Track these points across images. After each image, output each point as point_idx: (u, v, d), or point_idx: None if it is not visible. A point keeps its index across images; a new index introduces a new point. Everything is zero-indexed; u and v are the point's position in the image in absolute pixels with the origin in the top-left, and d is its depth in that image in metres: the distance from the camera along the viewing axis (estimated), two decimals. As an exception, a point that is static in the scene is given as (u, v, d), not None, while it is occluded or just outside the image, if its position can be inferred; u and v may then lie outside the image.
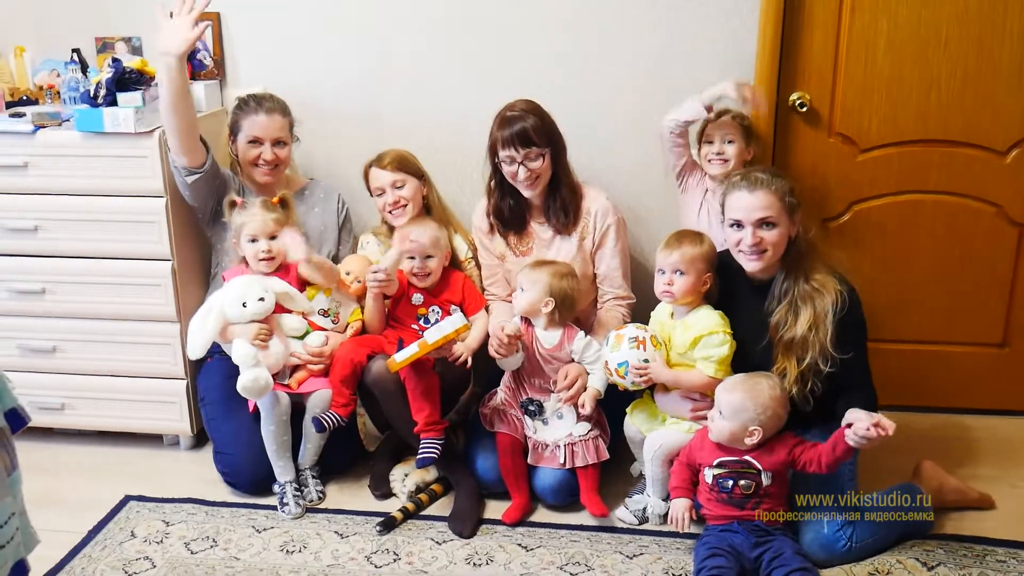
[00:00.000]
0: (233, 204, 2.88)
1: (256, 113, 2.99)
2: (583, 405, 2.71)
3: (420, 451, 2.73)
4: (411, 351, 2.68)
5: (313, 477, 2.91)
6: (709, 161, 2.92)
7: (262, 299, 2.78)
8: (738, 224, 2.54)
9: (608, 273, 2.96)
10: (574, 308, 2.82)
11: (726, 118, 2.91)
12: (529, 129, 2.78)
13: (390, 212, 3.00)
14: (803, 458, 2.45)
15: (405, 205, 2.98)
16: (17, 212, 3.02)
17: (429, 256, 2.89)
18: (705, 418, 2.57)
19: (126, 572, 2.55)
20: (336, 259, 3.11)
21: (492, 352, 2.74)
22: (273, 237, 2.84)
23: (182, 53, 2.71)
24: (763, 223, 2.51)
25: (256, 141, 2.99)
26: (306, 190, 3.19)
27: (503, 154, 2.82)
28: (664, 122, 2.90)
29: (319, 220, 3.14)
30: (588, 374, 2.74)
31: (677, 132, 2.89)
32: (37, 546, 1.74)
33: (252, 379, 2.73)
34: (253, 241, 2.84)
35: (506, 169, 2.84)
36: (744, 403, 2.43)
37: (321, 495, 2.88)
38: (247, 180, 3.09)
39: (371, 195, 3.06)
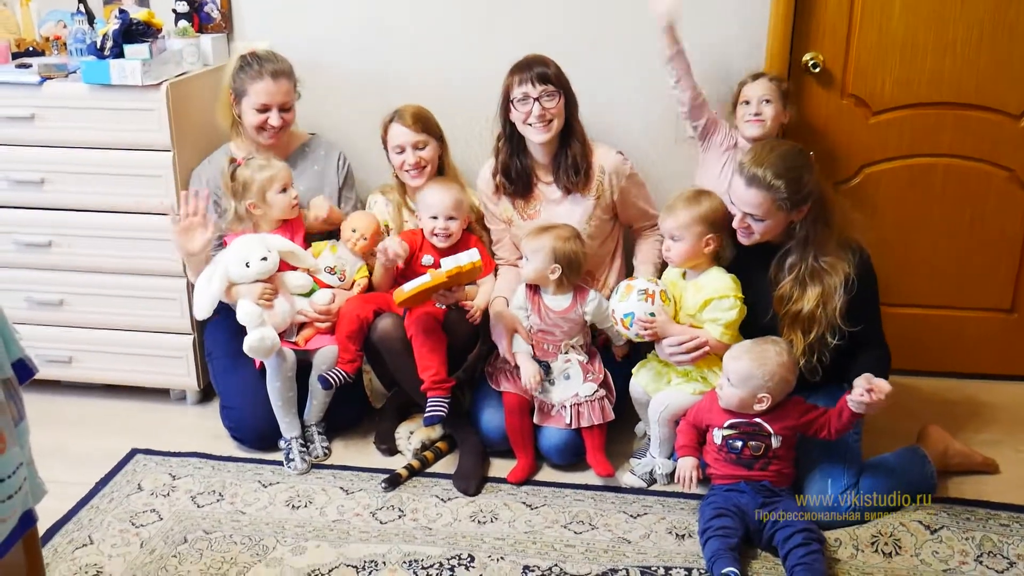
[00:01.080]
0: (234, 165, 2.85)
1: (262, 78, 2.91)
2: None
3: (427, 409, 2.73)
4: (422, 280, 2.62)
5: (319, 433, 2.92)
6: (746, 122, 2.88)
7: (264, 258, 2.77)
8: (732, 204, 2.55)
9: (639, 214, 3.00)
10: (581, 270, 2.81)
11: (762, 80, 2.88)
12: (547, 69, 2.79)
13: (407, 172, 2.97)
14: (814, 425, 2.46)
15: (425, 167, 2.96)
16: (24, 164, 3.01)
17: (452, 218, 2.87)
18: (695, 360, 2.59)
19: (133, 524, 2.57)
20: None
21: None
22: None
23: (199, 250, 2.81)
24: (750, 216, 2.51)
25: (263, 108, 2.93)
26: (307, 146, 3.14)
27: (518, 91, 2.78)
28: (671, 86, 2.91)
29: (318, 179, 3.09)
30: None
31: (675, 80, 2.88)
32: (44, 497, 1.75)
33: (258, 339, 2.73)
34: (284, 191, 2.85)
35: (520, 110, 2.80)
36: (752, 371, 2.42)
37: (327, 451, 2.89)
38: (245, 140, 3.04)
39: (386, 150, 3.02)
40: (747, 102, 2.89)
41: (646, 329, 2.61)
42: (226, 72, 2.99)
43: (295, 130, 3.16)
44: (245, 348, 2.75)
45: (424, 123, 2.96)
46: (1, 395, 1.55)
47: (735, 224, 2.55)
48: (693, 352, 2.59)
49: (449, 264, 2.60)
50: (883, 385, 2.35)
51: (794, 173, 2.46)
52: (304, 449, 2.86)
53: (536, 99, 2.77)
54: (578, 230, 2.83)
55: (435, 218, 2.87)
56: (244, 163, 2.85)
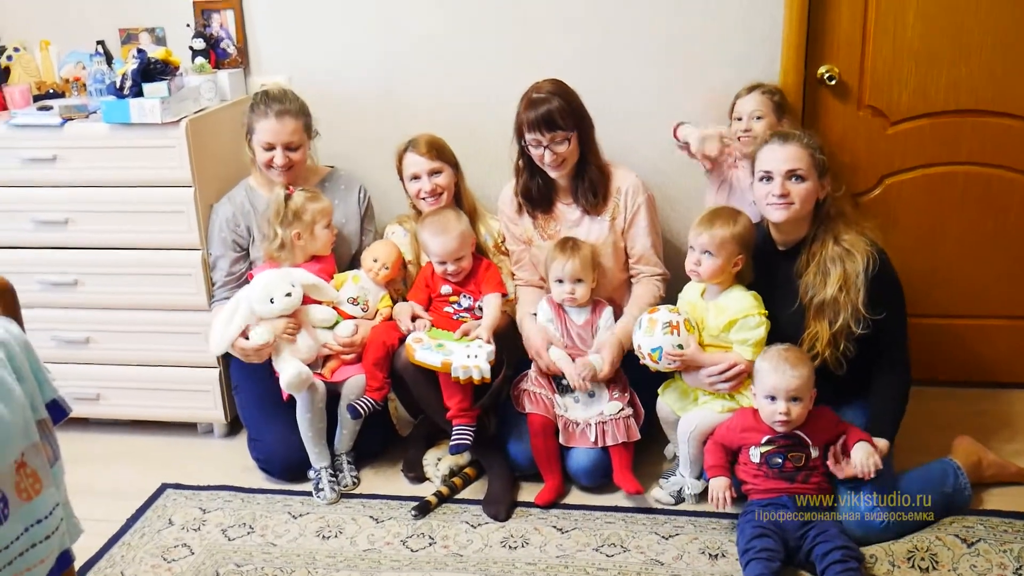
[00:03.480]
0: (287, 192, 2.87)
1: (267, 117, 2.89)
2: (586, 379, 2.73)
3: (453, 438, 2.73)
4: (433, 361, 2.70)
5: (348, 463, 2.92)
6: (739, 139, 2.89)
7: (289, 294, 2.78)
8: (767, 176, 2.53)
9: (643, 252, 2.95)
10: (599, 277, 2.84)
11: (755, 93, 2.88)
12: (555, 112, 2.75)
13: (424, 199, 2.98)
14: (849, 437, 2.48)
15: (441, 193, 2.96)
16: (47, 205, 3.04)
17: (458, 259, 2.87)
18: (735, 388, 2.60)
19: (165, 559, 2.57)
20: (358, 252, 3.09)
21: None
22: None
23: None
24: (792, 175, 2.50)
25: (269, 147, 2.92)
26: (327, 181, 3.14)
27: (529, 137, 2.80)
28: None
29: (340, 212, 3.09)
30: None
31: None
32: (80, 536, 1.76)
33: (295, 375, 2.74)
34: (327, 227, 2.90)
35: (533, 152, 2.82)
36: (809, 375, 2.45)
37: (356, 480, 2.89)
38: (260, 175, 3.04)
39: (401, 179, 3.03)
40: (739, 118, 2.90)
41: (675, 361, 2.60)
42: (246, 107, 3.02)
43: (314, 165, 3.17)
44: (284, 387, 2.77)
45: (438, 150, 2.97)
46: (36, 436, 1.56)
47: (773, 196, 2.51)
48: (732, 380, 2.59)
49: (458, 370, 2.67)
50: (877, 462, 2.41)
51: (816, 139, 2.57)
52: (334, 479, 2.86)
53: (547, 146, 2.78)
54: (598, 248, 2.87)
55: (443, 263, 2.88)
56: (295, 191, 2.87)
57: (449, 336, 2.80)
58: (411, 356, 2.73)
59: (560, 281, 2.81)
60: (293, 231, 2.86)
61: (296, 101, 2.98)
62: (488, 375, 2.70)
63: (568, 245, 2.82)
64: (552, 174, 2.86)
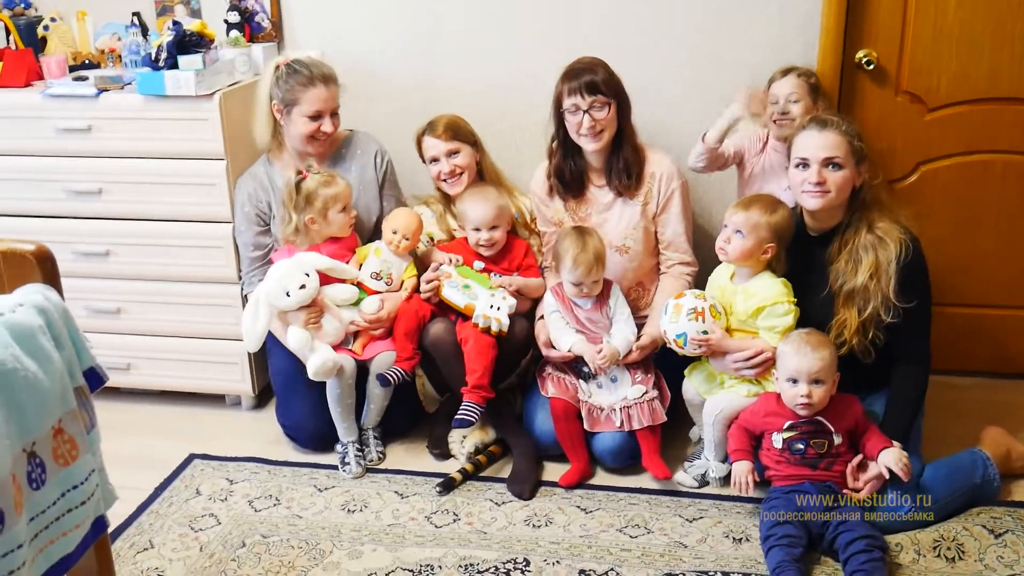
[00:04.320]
0: (299, 177, 2.85)
1: (314, 85, 2.87)
2: (603, 362, 2.73)
3: (459, 412, 2.73)
4: (457, 301, 2.79)
5: (375, 438, 2.94)
6: (775, 122, 2.86)
7: (303, 286, 2.76)
8: (804, 163, 2.51)
9: (673, 239, 2.93)
10: (604, 263, 2.80)
11: (790, 76, 2.85)
12: (597, 79, 2.76)
13: (445, 180, 2.98)
14: (871, 438, 2.45)
15: (461, 173, 2.96)
16: (82, 175, 3.07)
17: (494, 227, 2.88)
18: (761, 374, 2.59)
19: (192, 528, 2.61)
20: (380, 219, 3.06)
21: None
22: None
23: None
24: (829, 163, 2.48)
25: (316, 115, 2.91)
26: (344, 146, 3.09)
27: (568, 103, 2.78)
28: (690, 160, 2.92)
29: (356, 177, 3.04)
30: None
31: (703, 162, 2.90)
32: (115, 502, 1.78)
33: (320, 365, 2.77)
34: (344, 210, 2.88)
35: (570, 120, 2.80)
36: (831, 358, 2.43)
37: (382, 455, 2.91)
38: (285, 151, 3.02)
39: (424, 163, 3.03)
40: (776, 102, 2.87)
41: (700, 347, 2.60)
42: (263, 84, 2.96)
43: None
44: (312, 377, 2.78)
45: (455, 131, 2.96)
46: (74, 403, 1.58)
47: (809, 184, 2.49)
48: (758, 367, 2.58)
49: (479, 317, 2.76)
50: (908, 464, 2.39)
51: (854, 126, 2.54)
52: (359, 453, 2.88)
53: (586, 111, 2.76)
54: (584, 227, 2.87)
55: (478, 230, 2.88)
56: (308, 175, 2.85)
57: (478, 279, 2.84)
58: (438, 291, 2.79)
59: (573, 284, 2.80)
60: (306, 216, 2.85)
61: (329, 66, 2.97)
62: (506, 328, 2.75)
63: (579, 246, 2.75)
64: (588, 146, 2.83)
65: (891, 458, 2.37)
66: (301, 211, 2.85)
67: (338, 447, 2.90)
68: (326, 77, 2.92)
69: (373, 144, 3.11)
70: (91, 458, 1.62)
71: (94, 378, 1.68)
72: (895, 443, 2.41)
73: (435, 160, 2.97)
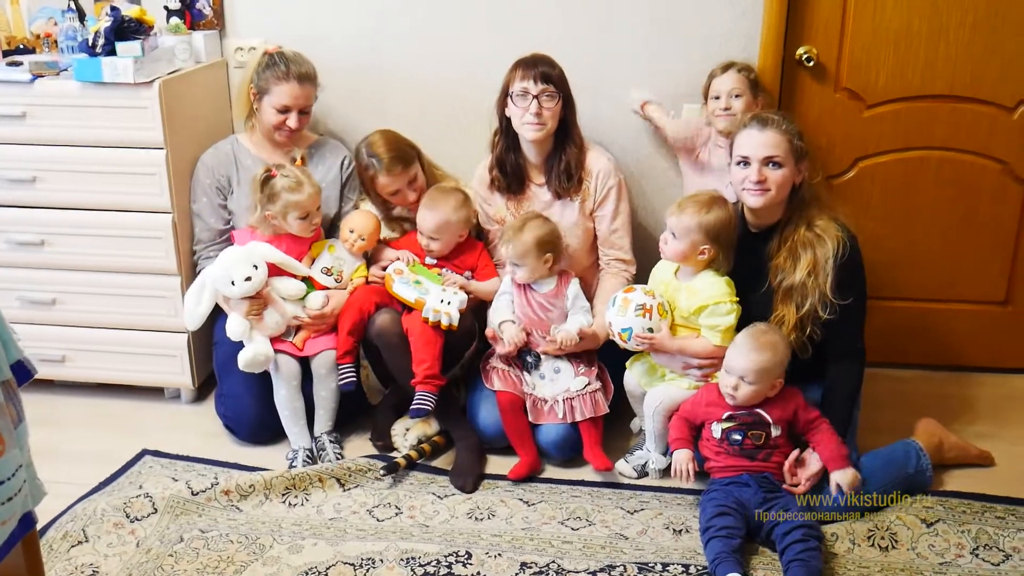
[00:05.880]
0: (267, 174, 2.85)
1: (287, 80, 2.91)
2: (561, 345, 2.75)
3: (414, 402, 2.73)
4: (407, 296, 2.78)
5: (331, 442, 2.89)
6: (716, 116, 2.89)
7: (249, 278, 2.75)
8: (745, 161, 2.54)
9: (608, 236, 2.96)
10: (562, 249, 2.84)
11: (731, 72, 2.88)
12: (551, 71, 2.79)
13: (412, 205, 2.99)
14: (811, 428, 2.50)
15: (421, 191, 2.99)
16: (15, 163, 2.99)
17: (433, 239, 2.90)
18: (706, 376, 2.60)
19: (127, 514, 2.55)
20: (338, 219, 3.08)
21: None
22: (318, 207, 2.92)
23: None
24: (769, 161, 2.51)
25: (284, 109, 2.93)
26: (314, 148, 3.13)
27: (519, 87, 2.78)
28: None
29: (320, 178, 3.06)
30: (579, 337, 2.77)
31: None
32: (43, 498, 1.74)
33: (251, 356, 2.77)
34: (304, 218, 2.86)
35: (517, 106, 2.80)
36: (769, 363, 2.44)
37: (339, 456, 2.86)
38: (257, 135, 3.05)
39: (379, 194, 3.02)
40: (717, 97, 2.90)
41: (644, 344, 2.62)
42: (249, 67, 3.01)
43: (306, 132, 3.15)
44: (240, 366, 2.77)
45: (402, 160, 2.95)
46: (0, 397, 1.55)
47: (750, 183, 2.52)
48: (708, 369, 2.61)
49: (429, 311, 2.75)
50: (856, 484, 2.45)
51: (795, 124, 2.57)
52: (309, 461, 2.83)
53: (535, 96, 2.76)
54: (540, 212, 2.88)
55: (421, 234, 2.91)
56: (278, 175, 2.84)
57: (429, 275, 2.85)
58: (389, 286, 2.81)
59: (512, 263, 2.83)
60: (266, 212, 2.86)
61: (311, 66, 3.00)
62: (456, 323, 2.75)
63: (514, 228, 2.81)
64: (529, 134, 2.82)
65: (846, 481, 2.43)
66: (263, 206, 2.85)
67: (289, 453, 2.87)
68: (302, 76, 2.94)
69: (342, 151, 3.15)
70: (18, 453, 1.59)
71: (22, 372, 1.64)
72: (850, 464, 2.46)
73: (396, 192, 2.98)
